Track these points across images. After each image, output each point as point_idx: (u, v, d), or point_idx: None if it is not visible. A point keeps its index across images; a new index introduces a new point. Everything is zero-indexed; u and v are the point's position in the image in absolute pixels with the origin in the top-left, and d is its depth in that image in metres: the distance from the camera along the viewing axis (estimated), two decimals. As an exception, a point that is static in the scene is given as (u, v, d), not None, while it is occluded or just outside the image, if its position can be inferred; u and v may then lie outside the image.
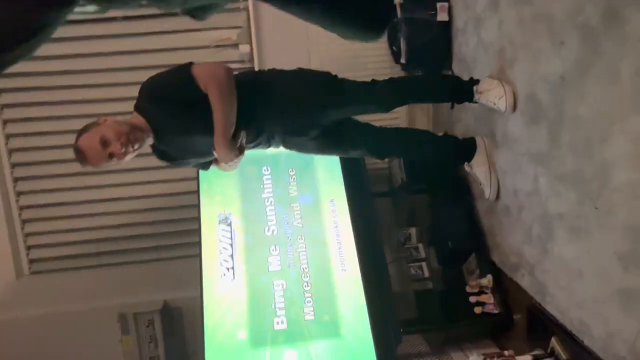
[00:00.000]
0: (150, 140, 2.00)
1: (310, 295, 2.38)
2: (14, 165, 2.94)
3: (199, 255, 2.45)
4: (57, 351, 2.81)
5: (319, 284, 2.40)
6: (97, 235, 3.00)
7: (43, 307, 2.93)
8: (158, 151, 2.10)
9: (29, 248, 3.01)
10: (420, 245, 2.68)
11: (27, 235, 2.99)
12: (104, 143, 1.83)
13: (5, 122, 2.89)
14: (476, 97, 2.23)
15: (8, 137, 2.89)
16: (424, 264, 2.63)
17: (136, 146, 1.90)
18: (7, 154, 2.90)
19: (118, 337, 2.87)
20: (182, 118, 1.94)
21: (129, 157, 1.89)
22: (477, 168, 2.34)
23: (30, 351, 2.85)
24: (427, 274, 2.60)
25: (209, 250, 2.48)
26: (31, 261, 3.02)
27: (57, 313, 2.90)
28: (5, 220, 2.92)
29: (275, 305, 2.36)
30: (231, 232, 2.52)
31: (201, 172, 2.57)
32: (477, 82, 2.26)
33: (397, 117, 2.94)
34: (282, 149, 2.30)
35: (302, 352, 2.26)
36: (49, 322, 2.89)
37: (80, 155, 1.86)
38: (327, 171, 2.65)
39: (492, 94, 2.15)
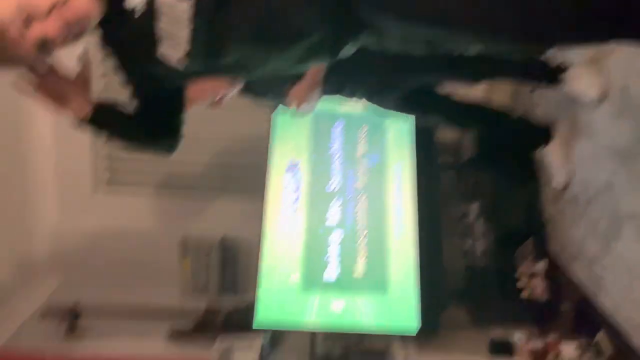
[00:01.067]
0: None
1: (363, 252, 2.47)
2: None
3: (264, 197, 2.57)
4: (119, 263, 3.03)
5: (374, 243, 2.49)
6: (170, 167, 3.18)
7: (112, 219, 3.15)
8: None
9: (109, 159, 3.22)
10: (479, 223, 2.70)
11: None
12: None
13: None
14: (564, 83, 2.18)
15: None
16: (478, 241, 2.66)
17: None
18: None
19: (176, 260, 3.07)
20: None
21: None
22: (551, 155, 2.31)
23: (93, 262, 3.09)
24: (480, 251, 2.63)
25: (274, 194, 2.59)
26: (110, 172, 3.23)
27: (125, 227, 3.12)
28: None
29: (328, 258, 2.46)
30: (298, 180, 2.62)
31: (276, 119, 2.65)
32: (566, 68, 2.21)
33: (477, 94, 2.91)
34: (360, 104, 2.34)
35: (349, 303, 2.37)
36: (115, 235, 3.11)
37: None
38: (398, 135, 2.69)
39: (583, 82, 2.10)
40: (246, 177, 3.16)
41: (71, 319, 2.80)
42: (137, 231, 3.11)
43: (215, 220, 3.10)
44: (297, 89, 2.04)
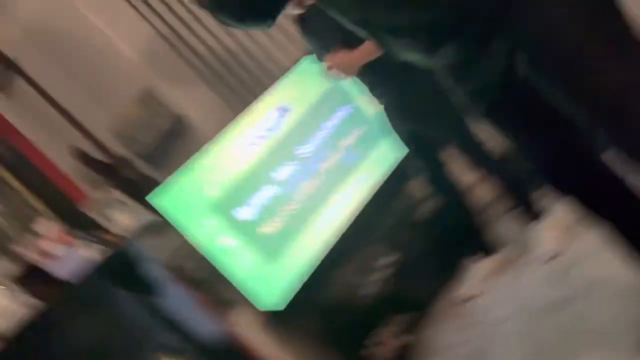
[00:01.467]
0: None
1: (282, 219, 2.50)
2: None
3: (242, 113, 2.55)
4: (79, 60, 2.93)
5: (295, 219, 2.52)
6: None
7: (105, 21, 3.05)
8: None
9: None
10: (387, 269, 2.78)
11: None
12: None
13: None
14: (535, 223, 2.25)
15: None
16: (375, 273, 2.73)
17: None
18: None
19: (130, 98, 3.02)
20: None
21: None
22: (477, 269, 2.40)
23: (59, 44, 2.96)
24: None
25: (252, 118, 2.58)
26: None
27: (110, 39, 3.03)
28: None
29: (250, 201, 2.47)
30: (279, 123, 2.61)
31: (304, 63, 2.64)
32: (545, 212, 2.26)
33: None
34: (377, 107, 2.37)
35: (237, 247, 2.39)
36: (98, 36, 3.02)
37: None
38: (383, 156, 2.74)
39: (547, 235, 2.18)
40: (243, 84, 3.14)
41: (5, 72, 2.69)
42: (118, 45, 3.02)
43: (191, 97, 3.06)
44: (343, 55, 2.04)
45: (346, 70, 2.06)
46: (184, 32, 3.09)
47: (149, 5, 3.05)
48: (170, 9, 3.06)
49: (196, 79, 3.12)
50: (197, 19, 3.05)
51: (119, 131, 3.03)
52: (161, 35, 3.08)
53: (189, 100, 3.07)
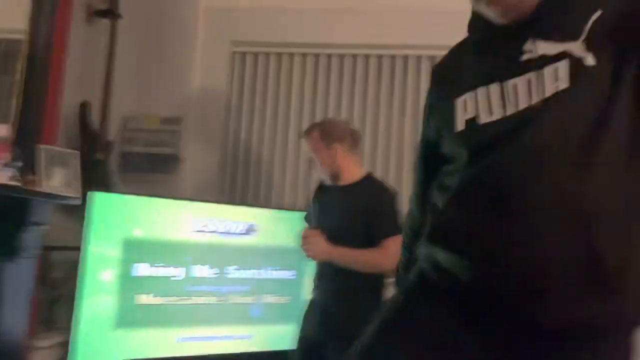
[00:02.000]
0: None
1: (163, 302, 2.43)
2: None
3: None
4: None
5: (169, 314, 2.45)
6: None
7: None
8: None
9: None
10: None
11: None
12: None
13: None
14: None
15: None
16: None
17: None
18: None
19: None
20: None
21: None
22: None
23: None
24: None
25: (226, 211, 2.65)
26: None
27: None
28: None
29: (155, 267, 2.45)
30: (237, 232, 2.67)
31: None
32: None
33: None
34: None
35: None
36: None
37: None
38: (282, 333, 2.70)
39: None
40: (247, 185, 3.26)
41: None
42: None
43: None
44: (318, 237, 2.10)
45: (312, 250, 2.13)
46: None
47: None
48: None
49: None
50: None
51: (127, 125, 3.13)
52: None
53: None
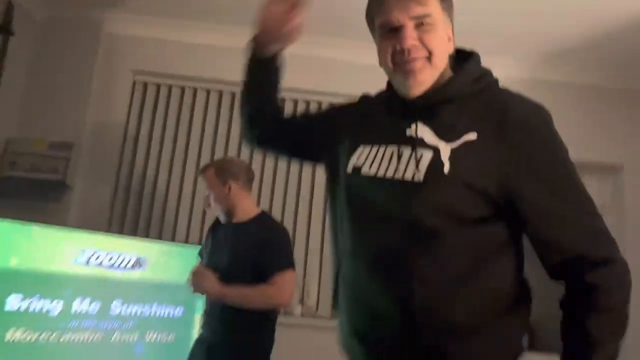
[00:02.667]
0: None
1: (37, 338, 2.26)
2: None
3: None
4: None
5: (42, 351, 2.28)
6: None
7: None
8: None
9: None
10: None
11: None
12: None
13: None
14: None
15: None
16: None
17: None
18: None
19: None
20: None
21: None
22: None
23: None
24: None
25: (114, 243, 2.55)
26: None
27: None
28: None
29: (30, 300, 2.29)
30: (124, 265, 2.57)
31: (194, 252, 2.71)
32: None
33: None
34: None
35: None
36: None
37: None
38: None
39: None
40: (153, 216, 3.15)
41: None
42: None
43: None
44: (205, 273, 2.09)
45: (200, 287, 2.08)
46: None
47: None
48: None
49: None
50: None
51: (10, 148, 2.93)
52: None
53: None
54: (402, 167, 1.04)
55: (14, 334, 2.24)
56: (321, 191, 3.25)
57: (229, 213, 2.23)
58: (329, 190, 1.24)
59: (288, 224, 3.17)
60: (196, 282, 2.08)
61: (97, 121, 3.18)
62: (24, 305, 2.28)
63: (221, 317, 2.10)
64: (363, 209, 1.08)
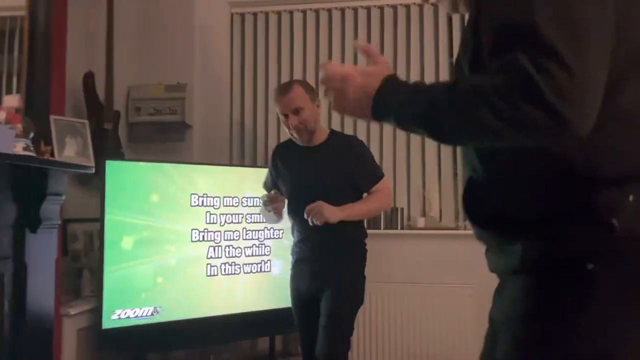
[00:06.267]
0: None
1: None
2: None
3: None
4: None
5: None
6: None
7: None
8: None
9: None
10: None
11: None
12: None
13: None
14: None
15: None
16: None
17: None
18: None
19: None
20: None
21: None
22: None
23: None
24: None
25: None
26: None
27: None
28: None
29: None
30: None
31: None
32: None
33: None
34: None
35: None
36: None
37: None
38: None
39: None
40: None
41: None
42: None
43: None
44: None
45: (319, 216, 2.03)
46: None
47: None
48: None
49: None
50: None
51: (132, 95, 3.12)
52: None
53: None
54: None
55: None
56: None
57: (313, 132, 2.16)
58: None
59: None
60: (315, 215, 2.03)
61: (203, 59, 3.27)
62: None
63: (318, 235, 2.11)
64: None
